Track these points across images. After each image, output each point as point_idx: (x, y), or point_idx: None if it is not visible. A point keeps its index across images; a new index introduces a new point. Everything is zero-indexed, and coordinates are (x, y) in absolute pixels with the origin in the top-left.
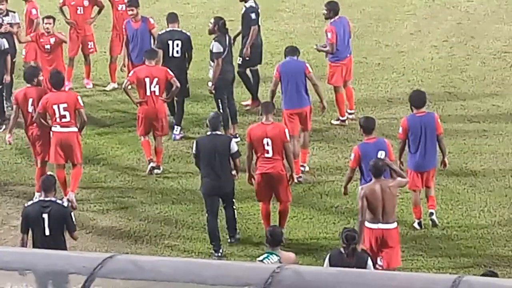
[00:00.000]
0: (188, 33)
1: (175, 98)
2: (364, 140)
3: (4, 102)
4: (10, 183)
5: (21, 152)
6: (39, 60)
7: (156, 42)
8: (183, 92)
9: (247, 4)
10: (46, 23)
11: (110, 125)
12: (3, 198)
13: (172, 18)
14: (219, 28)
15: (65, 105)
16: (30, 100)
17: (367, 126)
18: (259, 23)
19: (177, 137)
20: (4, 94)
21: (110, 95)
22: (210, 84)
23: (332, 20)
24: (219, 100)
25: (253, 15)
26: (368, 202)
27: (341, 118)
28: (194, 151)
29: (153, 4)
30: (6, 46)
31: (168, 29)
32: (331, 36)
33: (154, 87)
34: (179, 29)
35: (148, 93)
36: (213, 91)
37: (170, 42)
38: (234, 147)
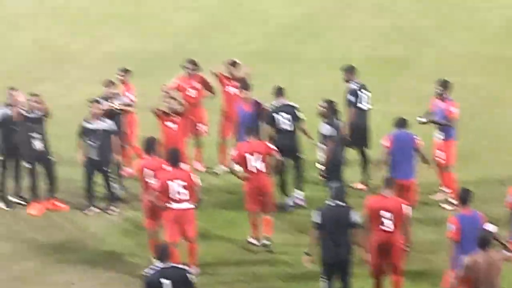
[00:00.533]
0: (295, 105)
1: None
2: (461, 211)
3: (111, 183)
4: (118, 263)
5: (125, 233)
6: (162, 136)
7: (266, 117)
8: (298, 158)
9: (349, 85)
10: (170, 103)
11: (220, 206)
12: (111, 277)
13: (279, 91)
14: (331, 110)
15: (181, 181)
16: (148, 171)
17: (465, 197)
18: (362, 105)
19: (300, 202)
20: (110, 176)
21: (221, 178)
22: (320, 166)
23: (446, 98)
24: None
25: (351, 97)
26: (470, 274)
27: (452, 200)
28: (316, 220)
29: (264, 86)
30: (114, 128)
31: (275, 103)
32: (456, 111)
33: (257, 162)
34: (286, 102)
35: (251, 168)
36: (324, 174)
37: (278, 116)
38: (355, 217)
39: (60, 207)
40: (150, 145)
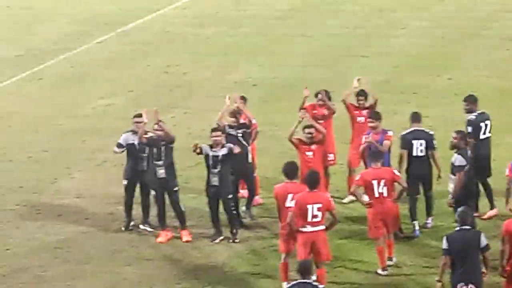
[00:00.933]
0: (431, 132)
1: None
2: None
3: (232, 211)
4: None
5: (250, 261)
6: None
7: (400, 142)
8: (430, 185)
9: (468, 117)
10: (307, 133)
11: (346, 234)
12: None
13: (416, 117)
14: (463, 141)
15: (319, 205)
16: (290, 196)
17: None
18: (485, 135)
19: (429, 225)
20: (232, 203)
21: (348, 207)
22: (450, 197)
23: None
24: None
25: (469, 129)
26: None
27: None
28: (444, 246)
29: (393, 116)
30: (237, 150)
31: (411, 129)
32: None
33: (382, 188)
34: (422, 129)
35: (376, 194)
36: (453, 205)
37: (414, 142)
38: (484, 241)
39: (185, 236)
40: (292, 170)
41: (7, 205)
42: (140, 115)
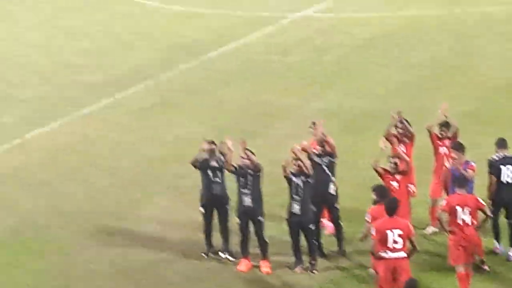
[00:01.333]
0: None
1: None
2: None
3: (312, 241)
4: None
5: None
6: None
7: (488, 167)
8: None
9: None
10: (392, 162)
11: (428, 266)
12: None
13: (502, 144)
14: None
15: (399, 231)
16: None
17: None
18: None
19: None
20: (312, 232)
21: (430, 238)
22: None
23: None
24: None
25: None
26: None
27: None
28: None
29: (477, 148)
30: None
31: (499, 155)
32: None
33: (465, 215)
34: (510, 155)
35: (459, 221)
36: None
37: (502, 167)
38: None
39: (265, 267)
40: (384, 192)
41: (88, 230)
42: (211, 142)
